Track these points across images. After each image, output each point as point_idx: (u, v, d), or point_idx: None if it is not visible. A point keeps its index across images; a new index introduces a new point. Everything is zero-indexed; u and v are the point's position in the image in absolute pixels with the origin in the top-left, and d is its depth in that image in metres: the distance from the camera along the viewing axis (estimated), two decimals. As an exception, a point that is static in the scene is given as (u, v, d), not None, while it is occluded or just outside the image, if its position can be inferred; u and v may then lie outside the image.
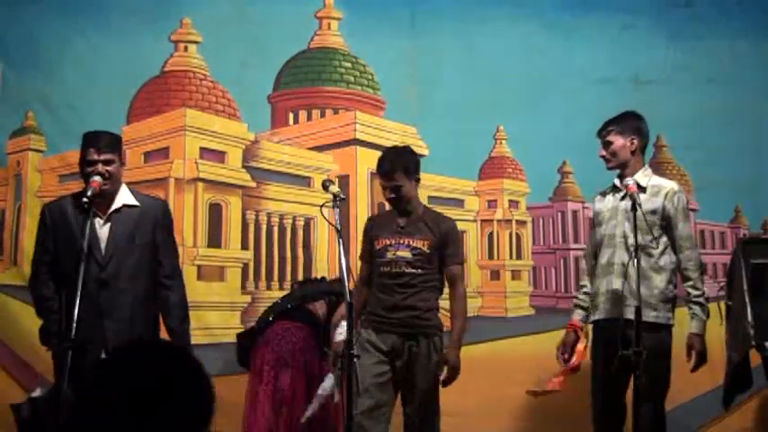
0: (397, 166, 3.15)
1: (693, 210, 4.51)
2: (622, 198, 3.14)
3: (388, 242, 3.15)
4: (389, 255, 3.13)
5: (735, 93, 4.38)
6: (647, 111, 4.28)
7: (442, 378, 3.08)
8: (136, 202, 3.03)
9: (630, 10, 4.40)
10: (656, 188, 3.12)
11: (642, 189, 3.08)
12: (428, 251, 3.12)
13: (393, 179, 3.13)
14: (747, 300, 3.07)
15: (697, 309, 3.11)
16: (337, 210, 2.93)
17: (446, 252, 3.15)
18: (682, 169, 4.51)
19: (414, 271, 3.11)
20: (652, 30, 4.40)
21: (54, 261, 2.95)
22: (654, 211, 3.03)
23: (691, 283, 3.11)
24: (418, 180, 3.21)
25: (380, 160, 3.20)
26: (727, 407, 3.32)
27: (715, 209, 4.48)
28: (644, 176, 3.11)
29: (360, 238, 4.14)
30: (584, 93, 4.30)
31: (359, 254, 3.37)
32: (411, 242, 3.13)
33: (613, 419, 3.14)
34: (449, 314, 3.21)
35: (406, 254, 3.12)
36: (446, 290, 3.22)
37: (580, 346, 3.24)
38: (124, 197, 3.02)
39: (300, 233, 4.17)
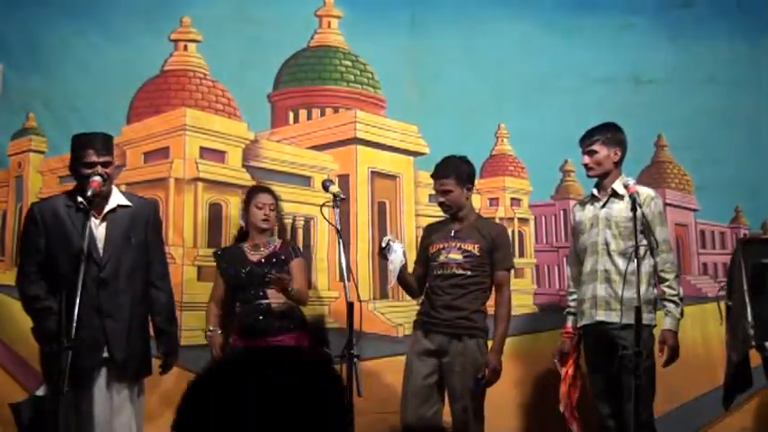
0: (450, 171, 3.35)
1: (694, 210, 4.52)
2: (602, 206, 3.31)
3: (440, 246, 3.36)
4: (441, 257, 3.35)
5: (735, 93, 4.38)
6: (647, 110, 4.32)
7: (482, 380, 3.24)
8: (128, 203, 3.06)
9: (630, 10, 4.40)
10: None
11: (620, 197, 3.25)
12: (478, 254, 3.32)
13: (443, 183, 3.33)
14: (747, 300, 3.10)
15: (671, 306, 3.24)
16: (337, 210, 2.99)
17: (495, 256, 3.34)
18: (682, 169, 4.51)
19: (464, 272, 3.31)
20: (652, 29, 4.40)
21: (47, 261, 2.95)
22: (632, 218, 3.09)
23: (667, 283, 3.25)
24: (470, 189, 3.38)
25: (437, 164, 3.41)
26: (728, 407, 3.33)
27: (715, 209, 4.49)
28: (621, 185, 3.24)
29: (360, 237, 4.20)
30: (584, 92, 4.30)
31: (414, 260, 3.57)
32: (462, 245, 3.33)
33: (617, 423, 3.20)
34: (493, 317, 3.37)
35: (458, 256, 3.32)
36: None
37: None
38: (117, 198, 3.05)
39: (300, 233, 4.17)
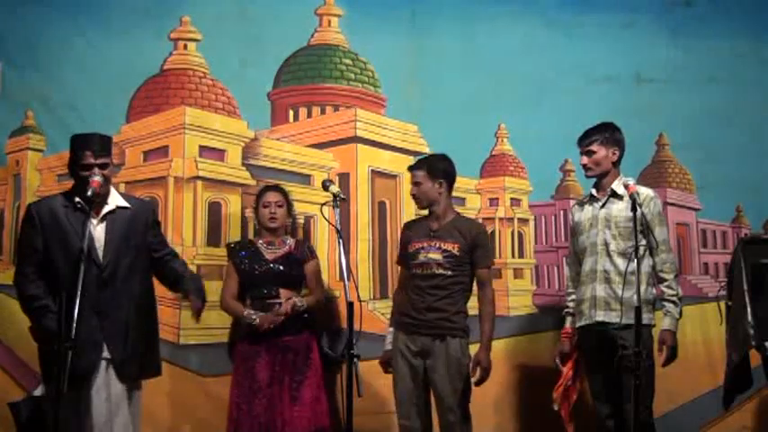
0: (422, 164, 3.43)
1: (696, 209, 4.51)
2: (602, 207, 3.32)
3: (420, 245, 3.38)
4: (421, 257, 3.36)
5: (736, 92, 4.38)
6: (648, 109, 4.33)
7: (474, 379, 3.28)
8: (127, 204, 3.06)
9: (631, 8, 4.40)
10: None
11: (619, 197, 3.26)
12: (458, 254, 3.33)
13: (414, 175, 3.41)
14: (747, 300, 3.10)
15: (671, 306, 3.25)
16: (337, 210, 2.99)
17: (476, 255, 3.36)
18: (683, 168, 4.50)
19: (444, 272, 3.32)
20: (653, 28, 4.40)
21: (45, 261, 2.94)
22: (631, 218, 3.07)
23: (666, 283, 3.27)
24: (442, 185, 3.39)
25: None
26: (728, 407, 3.34)
27: (716, 208, 4.48)
28: (620, 185, 3.24)
29: (360, 237, 4.20)
30: (585, 91, 4.30)
31: (395, 259, 3.62)
32: (442, 245, 3.35)
33: (616, 424, 3.21)
34: (478, 316, 3.39)
35: (437, 256, 3.33)
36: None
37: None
38: (116, 199, 3.05)
39: (300, 231, 4.16)
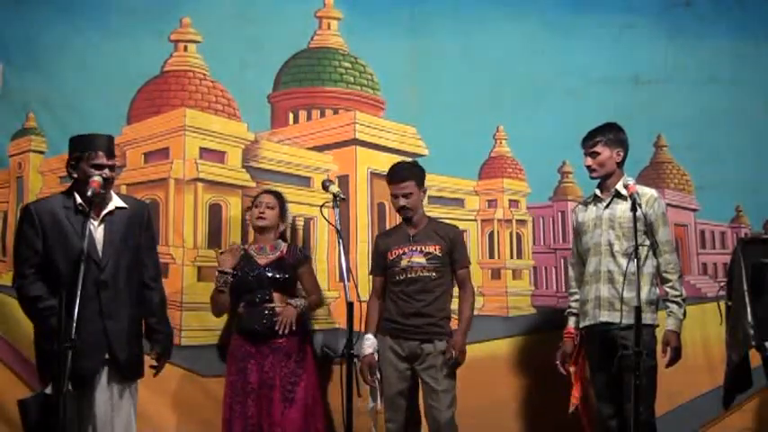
0: (409, 174, 3.44)
1: (695, 210, 4.51)
2: (606, 207, 3.32)
3: (401, 251, 3.42)
4: (404, 262, 3.39)
5: (736, 92, 4.37)
6: (647, 110, 4.33)
7: (449, 359, 3.31)
8: (125, 205, 3.07)
9: (631, 9, 4.39)
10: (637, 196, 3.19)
11: (623, 198, 3.25)
12: (440, 255, 3.40)
13: (405, 186, 3.40)
14: (747, 300, 3.10)
15: (674, 307, 3.25)
16: (337, 210, 3.01)
17: (455, 256, 3.44)
18: (682, 169, 4.50)
19: (429, 274, 3.37)
20: (652, 29, 4.39)
21: (45, 262, 2.94)
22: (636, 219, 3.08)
23: (670, 284, 3.27)
24: (425, 193, 3.51)
25: (394, 169, 3.49)
26: (728, 407, 3.34)
27: (716, 208, 4.47)
28: (624, 186, 3.22)
29: (360, 238, 4.20)
30: (584, 92, 4.29)
31: (369, 269, 3.64)
32: (423, 248, 3.40)
33: (619, 424, 3.21)
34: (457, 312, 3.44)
35: (421, 259, 3.38)
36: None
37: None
38: (115, 200, 3.06)
39: (300, 233, 4.17)
